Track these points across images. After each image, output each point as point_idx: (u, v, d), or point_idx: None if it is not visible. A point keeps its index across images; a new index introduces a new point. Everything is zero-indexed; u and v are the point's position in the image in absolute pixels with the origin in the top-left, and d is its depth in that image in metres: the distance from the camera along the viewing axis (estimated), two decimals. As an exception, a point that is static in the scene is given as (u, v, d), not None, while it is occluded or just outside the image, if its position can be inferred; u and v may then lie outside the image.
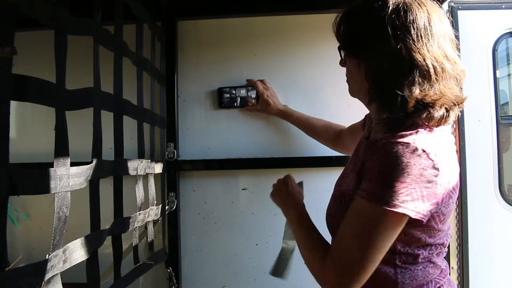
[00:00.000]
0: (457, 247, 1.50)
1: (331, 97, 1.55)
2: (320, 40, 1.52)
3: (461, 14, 1.53)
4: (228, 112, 1.59)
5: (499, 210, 1.54)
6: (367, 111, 1.08)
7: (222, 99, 1.57)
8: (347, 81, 0.97)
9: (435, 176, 0.78)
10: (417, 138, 0.80)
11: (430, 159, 0.77)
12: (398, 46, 0.81)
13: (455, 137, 1.51)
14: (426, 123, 0.83)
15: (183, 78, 1.60)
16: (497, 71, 1.56)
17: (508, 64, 1.63)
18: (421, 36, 0.81)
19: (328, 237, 0.97)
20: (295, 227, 0.99)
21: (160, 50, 1.52)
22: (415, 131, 0.82)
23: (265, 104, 1.53)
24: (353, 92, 0.96)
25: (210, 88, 1.60)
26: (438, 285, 0.89)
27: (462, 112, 1.50)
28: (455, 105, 0.84)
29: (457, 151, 1.50)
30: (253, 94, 1.56)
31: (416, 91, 0.80)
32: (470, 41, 1.53)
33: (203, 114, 1.60)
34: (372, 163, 0.81)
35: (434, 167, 0.78)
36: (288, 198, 1.04)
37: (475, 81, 1.54)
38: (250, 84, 1.56)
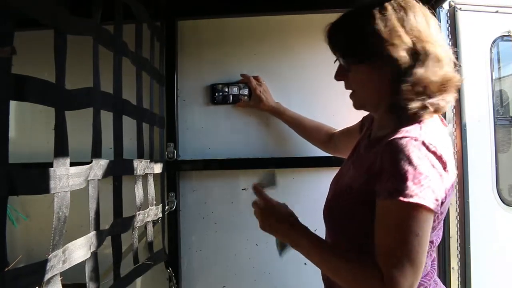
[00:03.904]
0: (457, 247, 1.50)
1: (331, 97, 1.55)
2: (320, 40, 1.51)
3: (461, 14, 1.53)
4: (228, 112, 1.59)
5: (497, 210, 1.55)
6: (366, 112, 1.09)
7: (215, 96, 1.57)
8: (352, 93, 0.95)
9: (444, 169, 0.81)
10: (422, 133, 0.82)
11: (437, 153, 0.80)
12: (412, 41, 0.84)
13: (456, 137, 1.51)
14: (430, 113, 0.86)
15: (183, 78, 1.60)
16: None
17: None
18: (425, 32, 0.86)
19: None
20: (312, 254, 0.89)
21: (160, 50, 1.52)
22: (418, 126, 0.84)
23: (258, 99, 1.53)
24: (362, 102, 0.94)
25: (210, 88, 1.60)
26: (422, 287, 0.89)
27: (463, 112, 1.52)
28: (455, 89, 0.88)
29: (458, 151, 1.51)
30: (245, 91, 1.56)
31: (432, 78, 0.84)
32: (469, 42, 1.53)
33: (203, 114, 1.60)
34: (385, 162, 0.81)
35: (442, 161, 0.80)
36: (284, 227, 0.94)
37: (474, 82, 1.54)
38: (244, 79, 1.56)
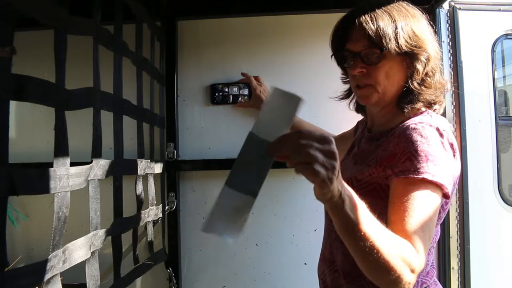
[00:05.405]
0: (457, 247, 1.50)
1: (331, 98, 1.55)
2: (320, 40, 1.51)
3: (462, 14, 1.53)
4: (228, 112, 1.59)
5: (498, 210, 1.55)
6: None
7: (215, 96, 1.58)
8: (368, 87, 0.92)
9: (453, 156, 0.84)
10: (433, 120, 0.86)
11: (449, 140, 0.84)
12: (436, 41, 0.94)
13: (456, 137, 1.51)
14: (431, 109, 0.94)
15: (183, 78, 1.60)
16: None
17: (503, 65, 1.64)
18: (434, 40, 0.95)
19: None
20: (350, 208, 0.68)
21: (160, 50, 1.52)
22: (428, 115, 0.90)
23: (258, 99, 1.53)
24: (381, 95, 0.92)
25: (210, 88, 1.60)
26: (424, 286, 0.89)
27: (463, 112, 1.52)
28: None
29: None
30: (245, 91, 1.57)
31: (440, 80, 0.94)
32: (469, 41, 1.53)
33: (203, 114, 1.60)
34: (401, 144, 0.83)
35: (452, 148, 0.84)
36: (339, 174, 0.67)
37: (475, 81, 1.54)
38: (245, 77, 1.56)
